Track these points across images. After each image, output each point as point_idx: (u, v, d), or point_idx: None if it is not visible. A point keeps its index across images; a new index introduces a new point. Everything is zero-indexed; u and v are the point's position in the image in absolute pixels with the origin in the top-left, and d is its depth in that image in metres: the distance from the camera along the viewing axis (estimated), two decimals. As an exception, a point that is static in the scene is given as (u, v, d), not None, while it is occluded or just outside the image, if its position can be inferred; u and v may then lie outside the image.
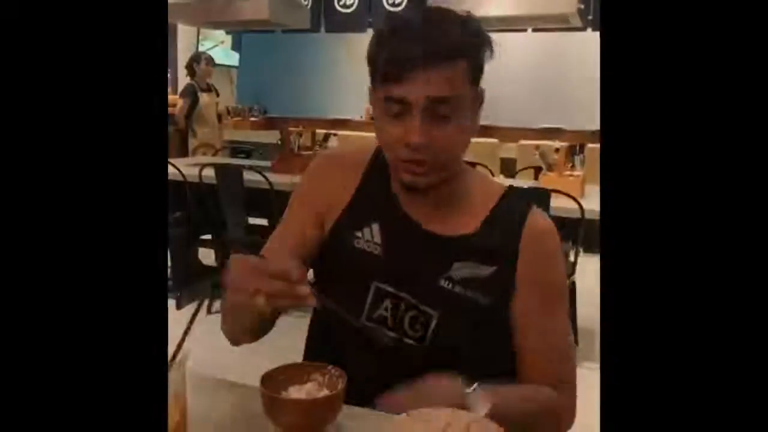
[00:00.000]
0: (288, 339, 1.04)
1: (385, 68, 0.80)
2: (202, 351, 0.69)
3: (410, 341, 0.89)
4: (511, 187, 0.96)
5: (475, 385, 0.77)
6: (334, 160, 1.01)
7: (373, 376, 0.83)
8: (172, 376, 0.65)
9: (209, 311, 3.24)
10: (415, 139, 0.79)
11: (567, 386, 0.90)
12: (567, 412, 0.91)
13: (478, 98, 0.86)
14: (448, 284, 0.88)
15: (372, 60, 0.83)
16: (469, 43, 0.81)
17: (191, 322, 0.68)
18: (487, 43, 0.83)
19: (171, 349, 0.66)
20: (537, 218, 0.92)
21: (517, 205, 0.93)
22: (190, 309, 3.26)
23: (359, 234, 0.92)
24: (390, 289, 0.89)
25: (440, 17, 0.81)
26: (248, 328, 0.89)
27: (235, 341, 0.94)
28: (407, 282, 0.89)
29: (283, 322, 0.90)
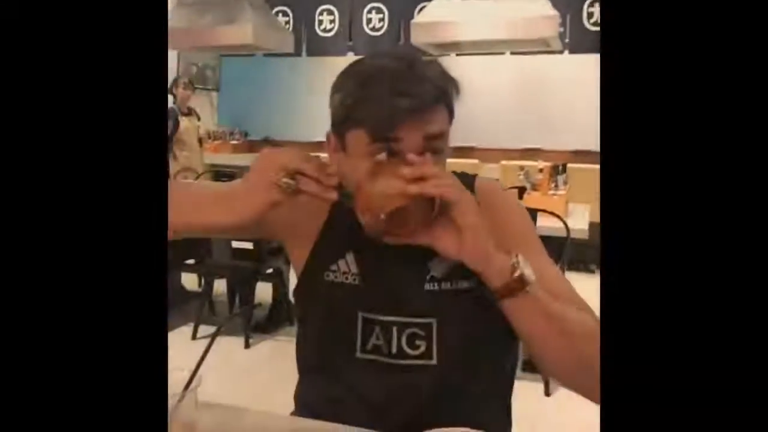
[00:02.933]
0: (292, 364, 1.01)
1: (376, 121, 0.79)
2: (210, 378, 0.69)
3: (415, 361, 0.86)
4: (462, 173, 0.94)
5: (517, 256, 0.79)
6: None
7: (384, 400, 0.83)
8: (185, 404, 0.65)
9: (194, 337, 3.22)
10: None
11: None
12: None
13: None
14: (434, 285, 0.86)
15: (351, 108, 0.81)
16: (446, 90, 0.83)
17: (207, 350, 0.68)
18: (457, 89, 0.85)
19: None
20: (482, 182, 0.94)
21: (464, 182, 0.90)
22: (174, 333, 3.24)
23: (334, 267, 0.89)
24: (378, 317, 0.87)
25: (422, 67, 0.82)
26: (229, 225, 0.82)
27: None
28: (394, 302, 0.87)
29: (285, 347, 0.89)
